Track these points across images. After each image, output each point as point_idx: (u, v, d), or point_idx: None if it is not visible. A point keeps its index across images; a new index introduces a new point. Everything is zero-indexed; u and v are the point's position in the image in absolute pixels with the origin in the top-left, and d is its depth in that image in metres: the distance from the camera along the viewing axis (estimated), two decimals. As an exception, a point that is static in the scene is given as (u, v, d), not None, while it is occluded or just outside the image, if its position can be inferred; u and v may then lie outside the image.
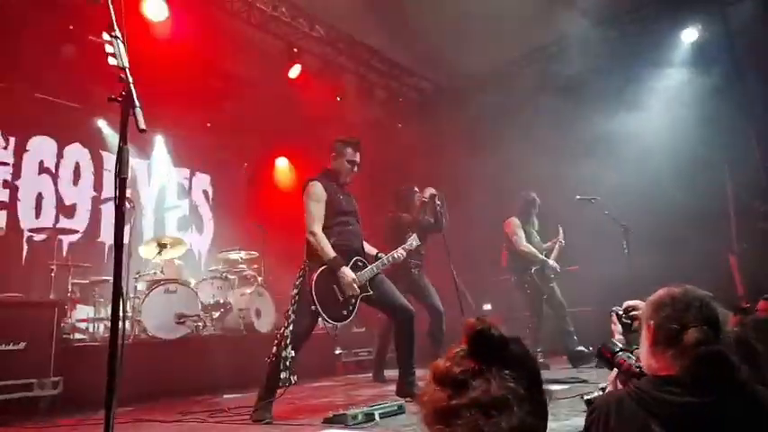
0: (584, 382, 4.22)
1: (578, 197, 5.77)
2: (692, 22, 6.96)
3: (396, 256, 4.04)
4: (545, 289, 5.78)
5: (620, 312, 2.02)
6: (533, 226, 6.02)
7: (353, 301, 3.76)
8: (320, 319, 3.69)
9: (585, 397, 2.83)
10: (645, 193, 6.33)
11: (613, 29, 7.43)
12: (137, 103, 1.68)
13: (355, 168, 4.04)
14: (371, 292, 3.83)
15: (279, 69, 7.38)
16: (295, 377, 3.50)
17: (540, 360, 5.54)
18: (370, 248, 4.15)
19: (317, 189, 3.81)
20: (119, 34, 1.74)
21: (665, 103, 6.82)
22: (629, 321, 1.97)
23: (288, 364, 3.49)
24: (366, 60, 8.19)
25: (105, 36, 1.75)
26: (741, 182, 6.43)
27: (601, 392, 2.64)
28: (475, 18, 6.52)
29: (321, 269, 3.65)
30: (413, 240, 4.28)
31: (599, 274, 6.34)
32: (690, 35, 7.01)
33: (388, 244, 4.67)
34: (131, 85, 1.69)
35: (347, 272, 3.69)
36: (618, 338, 1.92)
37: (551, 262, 5.82)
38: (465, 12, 6.47)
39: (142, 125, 1.68)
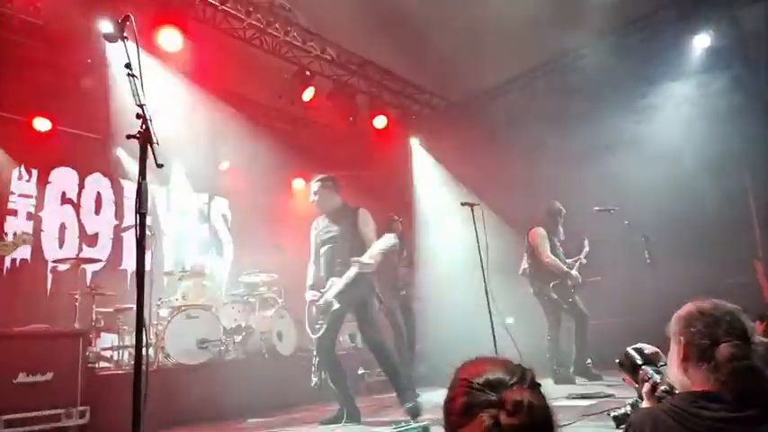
0: (610, 396, 4.14)
1: (596, 208, 5.71)
2: (704, 27, 6.90)
3: (348, 275, 4.24)
4: (565, 302, 5.71)
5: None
6: (559, 236, 5.95)
7: (320, 318, 4.32)
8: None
9: (613, 413, 2.76)
10: (665, 201, 6.23)
11: (626, 37, 7.40)
12: (154, 138, 1.72)
13: (316, 206, 4.67)
14: (337, 306, 4.23)
15: (293, 92, 7.47)
16: (317, 379, 4.37)
17: (593, 370, 5.54)
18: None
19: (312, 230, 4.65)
20: (136, 72, 1.79)
21: (680, 109, 6.74)
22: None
23: (313, 368, 4.39)
24: (378, 80, 8.26)
25: (124, 73, 1.80)
26: (762, 187, 6.31)
27: (629, 408, 2.58)
28: (486, 32, 6.54)
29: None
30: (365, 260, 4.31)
31: (622, 284, 6.26)
32: (702, 41, 6.95)
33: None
34: (149, 122, 1.73)
35: (306, 295, 4.46)
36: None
37: (574, 272, 5.76)
38: (476, 27, 6.49)
39: (160, 160, 1.72)
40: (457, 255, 6.80)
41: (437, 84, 8.71)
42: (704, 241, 6.03)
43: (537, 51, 7.50)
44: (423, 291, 7.97)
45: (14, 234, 5.81)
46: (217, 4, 6.12)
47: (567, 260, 5.92)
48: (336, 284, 4.20)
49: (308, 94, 7.48)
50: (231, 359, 6.12)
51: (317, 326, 4.31)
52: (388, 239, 4.19)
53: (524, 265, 5.99)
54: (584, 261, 5.95)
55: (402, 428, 3.22)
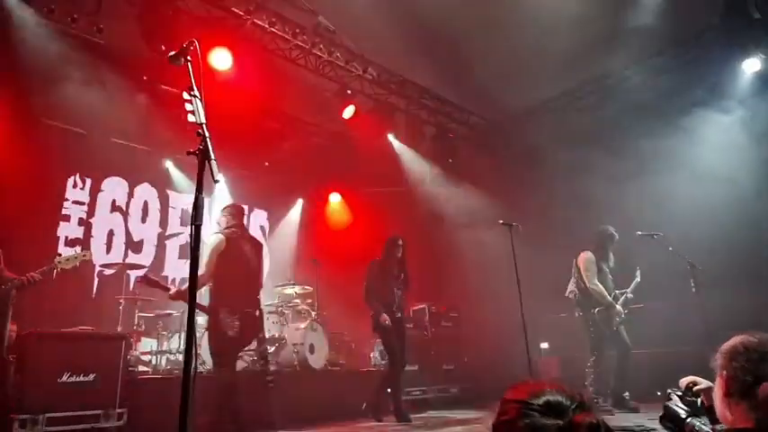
0: (653, 430, 4.00)
1: (639, 233, 5.56)
2: (755, 51, 6.73)
3: None
4: (609, 329, 5.55)
5: (679, 393, 1.88)
6: (609, 262, 5.78)
7: None
8: None
9: (655, 447, 2.66)
10: (715, 225, 6.00)
11: (671, 59, 7.28)
12: (212, 155, 1.81)
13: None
14: None
15: (333, 110, 7.64)
16: None
17: (631, 403, 5.35)
18: None
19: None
20: (197, 93, 1.89)
21: (729, 132, 6.56)
22: (693, 399, 1.81)
23: None
24: (417, 99, 8.36)
25: (185, 95, 1.90)
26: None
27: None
28: (528, 53, 6.55)
29: None
30: None
31: (665, 313, 6.04)
32: (752, 65, 6.79)
33: (372, 289, 5.52)
34: (208, 140, 1.83)
35: None
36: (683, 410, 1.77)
37: (618, 307, 5.59)
38: (517, 47, 6.51)
39: (217, 176, 1.81)
40: (492, 275, 6.75)
41: (476, 103, 8.74)
42: (757, 270, 5.79)
43: (579, 72, 7.45)
44: (456, 312, 7.93)
45: (74, 250, 6.15)
46: (266, 26, 6.34)
47: (616, 290, 5.73)
48: None
49: (348, 112, 7.62)
50: (264, 369, 6.19)
51: None
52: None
53: (571, 287, 5.81)
54: (630, 296, 5.75)
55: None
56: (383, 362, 7.11)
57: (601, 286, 5.56)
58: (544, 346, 7.70)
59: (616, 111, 7.56)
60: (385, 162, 8.83)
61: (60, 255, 4.69)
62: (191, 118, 1.87)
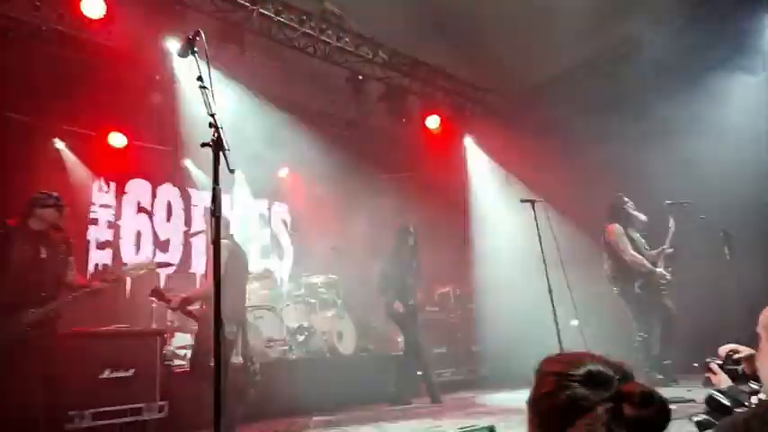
0: (691, 401, 3.94)
1: (668, 202, 5.38)
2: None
3: None
4: (655, 300, 5.35)
5: (719, 362, 1.78)
6: (636, 226, 5.58)
7: None
8: None
9: (694, 418, 2.62)
10: (746, 187, 5.78)
11: (693, 19, 6.98)
12: (226, 146, 1.83)
13: None
14: None
15: (345, 97, 7.61)
16: None
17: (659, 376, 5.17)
18: None
19: None
20: (207, 84, 1.91)
21: (757, 92, 6.32)
22: (734, 367, 1.75)
23: None
24: (430, 80, 8.27)
25: (196, 86, 1.92)
26: None
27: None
28: (542, 23, 6.39)
29: None
30: None
31: (699, 282, 5.83)
32: (776, 20, 6.50)
33: (384, 278, 5.60)
34: (220, 130, 1.84)
35: None
36: (726, 387, 1.70)
37: (659, 270, 5.37)
38: (531, 18, 6.36)
39: (231, 166, 1.83)
40: (516, 254, 6.68)
41: (491, 80, 8.61)
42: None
43: (597, 39, 7.21)
44: (480, 292, 7.89)
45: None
46: (272, 15, 6.33)
47: (651, 251, 5.50)
48: None
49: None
50: (295, 358, 6.30)
51: None
52: None
53: (606, 265, 5.62)
54: (669, 250, 5.47)
55: (467, 429, 3.22)
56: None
57: (639, 255, 5.36)
58: (574, 323, 7.60)
59: (636, 76, 7.29)
60: (400, 147, 8.79)
61: (126, 264, 4.84)
62: (202, 109, 1.89)
